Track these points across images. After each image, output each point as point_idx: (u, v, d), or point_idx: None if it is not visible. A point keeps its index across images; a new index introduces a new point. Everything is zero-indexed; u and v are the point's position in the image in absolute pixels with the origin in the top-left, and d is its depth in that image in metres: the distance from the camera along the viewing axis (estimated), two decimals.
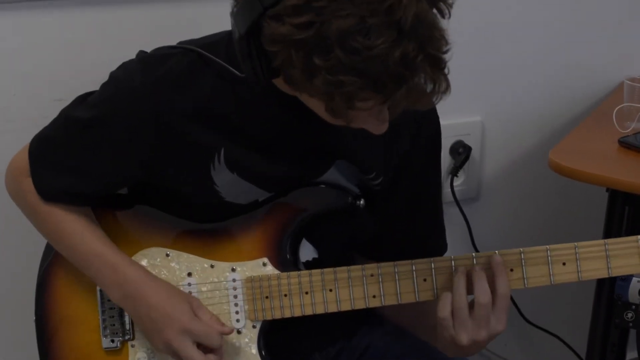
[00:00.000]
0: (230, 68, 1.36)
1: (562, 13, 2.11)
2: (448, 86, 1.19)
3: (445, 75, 1.18)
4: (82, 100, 1.47)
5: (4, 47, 1.73)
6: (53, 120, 1.49)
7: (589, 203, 2.13)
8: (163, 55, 1.42)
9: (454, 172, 2.12)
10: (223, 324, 1.45)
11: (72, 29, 1.76)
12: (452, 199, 2.11)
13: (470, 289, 1.39)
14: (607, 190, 1.88)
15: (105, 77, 1.46)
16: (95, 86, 1.47)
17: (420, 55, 1.14)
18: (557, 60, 2.14)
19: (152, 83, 1.39)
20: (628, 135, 1.88)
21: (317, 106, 1.25)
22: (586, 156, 1.85)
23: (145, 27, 1.77)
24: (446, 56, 1.18)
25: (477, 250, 2.16)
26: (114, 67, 1.46)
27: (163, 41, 1.48)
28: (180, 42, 1.45)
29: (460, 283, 1.38)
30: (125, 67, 1.45)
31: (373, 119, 1.25)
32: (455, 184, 2.12)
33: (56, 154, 1.47)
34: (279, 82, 1.32)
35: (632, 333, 2.08)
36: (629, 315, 1.87)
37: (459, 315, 1.38)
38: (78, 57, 1.77)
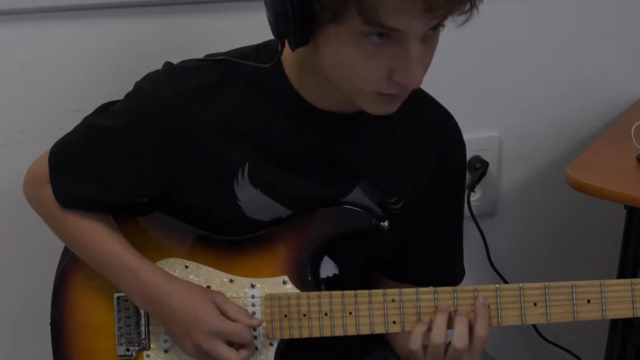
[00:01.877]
0: (260, 65, 1.34)
1: (580, 28, 2.10)
2: None
3: None
4: (105, 109, 1.46)
5: (21, 58, 1.74)
6: (75, 127, 1.48)
7: (607, 220, 2.13)
8: (190, 67, 1.41)
9: (471, 188, 2.11)
10: (251, 316, 1.44)
11: (90, 40, 1.76)
12: (468, 214, 2.10)
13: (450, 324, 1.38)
14: (625, 207, 1.88)
15: (123, 89, 1.45)
16: (112, 98, 1.47)
17: None
18: (575, 76, 2.13)
19: (179, 94, 1.37)
20: None
21: (347, 53, 1.20)
22: (604, 173, 1.83)
23: (164, 40, 1.77)
24: None
25: (493, 266, 2.16)
26: (131, 79, 1.45)
27: (182, 54, 1.48)
28: (207, 55, 1.44)
29: (441, 321, 1.37)
30: (150, 77, 1.44)
31: (411, 36, 1.17)
32: (472, 199, 2.11)
33: (76, 162, 1.46)
34: (305, 90, 1.34)
35: None
36: None
37: (434, 352, 1.37)
38: (96, 69, 1.77)
